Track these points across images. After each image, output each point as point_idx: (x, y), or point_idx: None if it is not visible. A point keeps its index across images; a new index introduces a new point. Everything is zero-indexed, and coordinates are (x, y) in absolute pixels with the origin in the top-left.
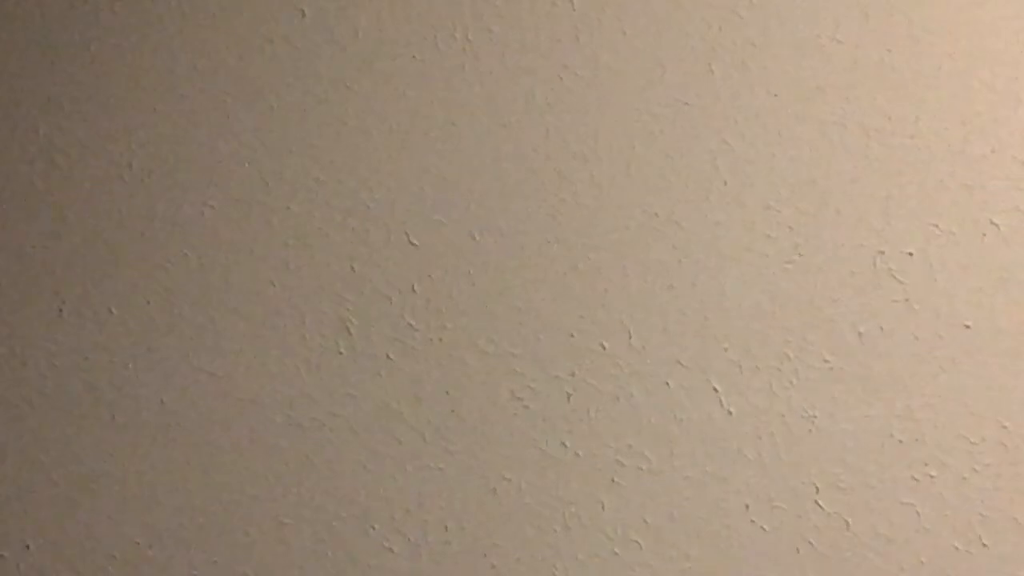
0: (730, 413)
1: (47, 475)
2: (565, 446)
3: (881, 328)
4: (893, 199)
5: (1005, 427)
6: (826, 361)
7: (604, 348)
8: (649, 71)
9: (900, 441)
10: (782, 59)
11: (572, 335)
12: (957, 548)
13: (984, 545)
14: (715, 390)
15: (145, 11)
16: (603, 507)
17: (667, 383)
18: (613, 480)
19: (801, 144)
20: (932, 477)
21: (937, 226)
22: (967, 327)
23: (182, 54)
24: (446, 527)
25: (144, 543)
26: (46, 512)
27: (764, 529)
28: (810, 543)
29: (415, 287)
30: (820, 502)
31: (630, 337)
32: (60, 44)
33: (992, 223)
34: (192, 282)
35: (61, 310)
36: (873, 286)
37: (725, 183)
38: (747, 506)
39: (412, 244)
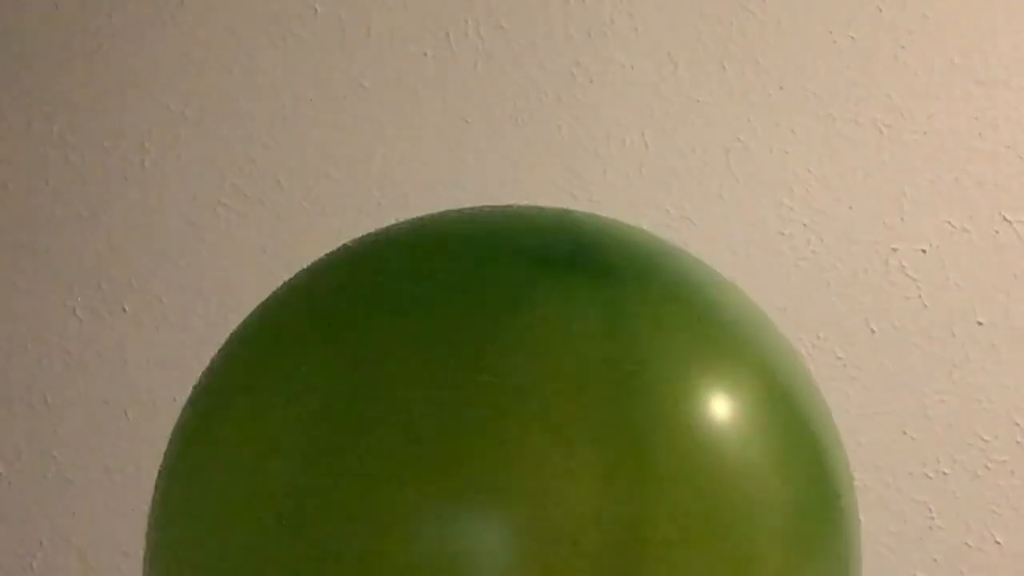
0: None
1: (61, 473)
2: None
3: (894, 325)
4: (906, 196)
5: (1018, 424)
6: (839, 358)
7: None
8: (661, 68)
9: (913, 438)
10: (794, 56)
11: None
12: (970, 546)
13: (997, 543)
14: None
15: (157, 8)
16: None
17: None
18: None
19: (814, 141)
20: (945, 474)
21: (950, 223)
22: (980, 324)
23: (194, 52)
24: None
25: None
26: (60, 510)
27: None
28: None
29: None
30: None
31: None
32: (72, 41)
33: (1005, 220)
34: (205, 280)
35: (74, 309)
36: (886, 283)
37: (737, 180)
38: None
39: None
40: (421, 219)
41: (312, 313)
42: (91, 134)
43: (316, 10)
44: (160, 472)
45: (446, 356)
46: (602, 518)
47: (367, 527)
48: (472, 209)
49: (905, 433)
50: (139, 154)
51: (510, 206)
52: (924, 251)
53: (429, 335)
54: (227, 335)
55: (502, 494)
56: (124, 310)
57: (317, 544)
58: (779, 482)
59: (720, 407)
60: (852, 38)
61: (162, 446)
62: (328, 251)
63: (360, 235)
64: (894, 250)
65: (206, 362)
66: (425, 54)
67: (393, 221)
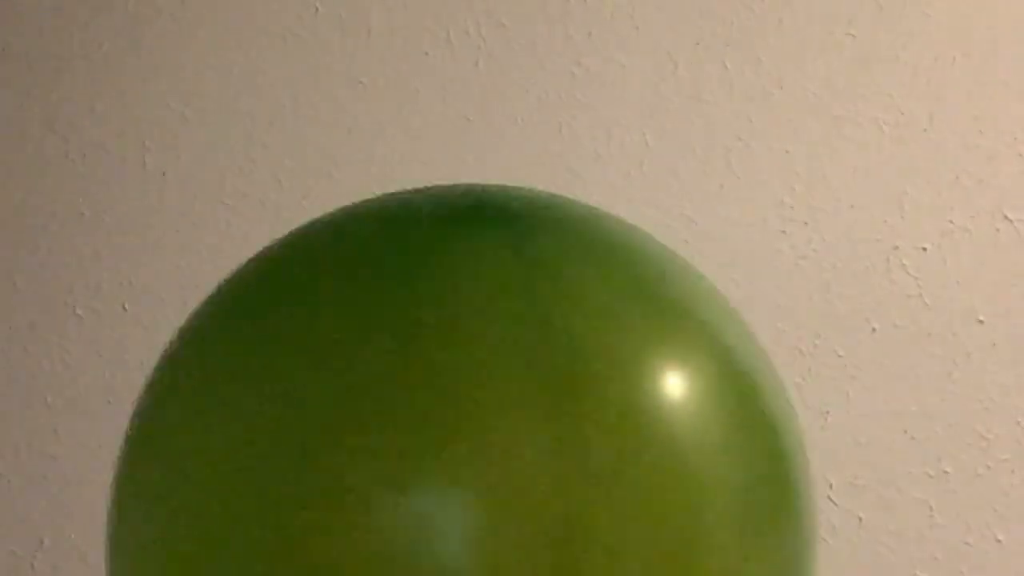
0: None
1: (61, 472)
2: None
3: (895, 324)
4: (907, 194)
5: (1019, 423)
6: (840, 357)
7: None
8: (662, 67)
9: (913, 437)
10: (795, 54)
11: None
12: (970, 544)
13: (998, 541)
14: None
15: (157, 8)
16: None
17: None
18: None
19: (814, 140)
20: (946, 473)
21: (951, 221)
22: (980, 322)
23: (194, 50)
24: None
25: None
26: (60, 509)
27: None
28: (823, 539)
29: None
30: (833, 498)
31: None
32: (73, 41)
33: (1006, 218)
34: (205, 279)
35: (74, 308)
36: (887, 281)
37: (738, 179)
38: None
39: None
40: (340, 209)
41: (238, 308)
42: (91, 134)
43: (316, 9)
44: (117, 467)
45: (367, 313)
46: (549, 496)
47: (316, 511)
48: (384, 194)
49: (905, 432)
50: (139, 153)
51: (422, 188)
52: (925, 249)
53: (348, 298)
54: None
55: (455, 470)
56: (124, 310)
57: (272, 533)
58: (729, 461)
59: (672, 384)
60: (853, 37)
61: None
62: None
63: None
64: (895, 249)
65: None
66: (425, 53)
67: None
